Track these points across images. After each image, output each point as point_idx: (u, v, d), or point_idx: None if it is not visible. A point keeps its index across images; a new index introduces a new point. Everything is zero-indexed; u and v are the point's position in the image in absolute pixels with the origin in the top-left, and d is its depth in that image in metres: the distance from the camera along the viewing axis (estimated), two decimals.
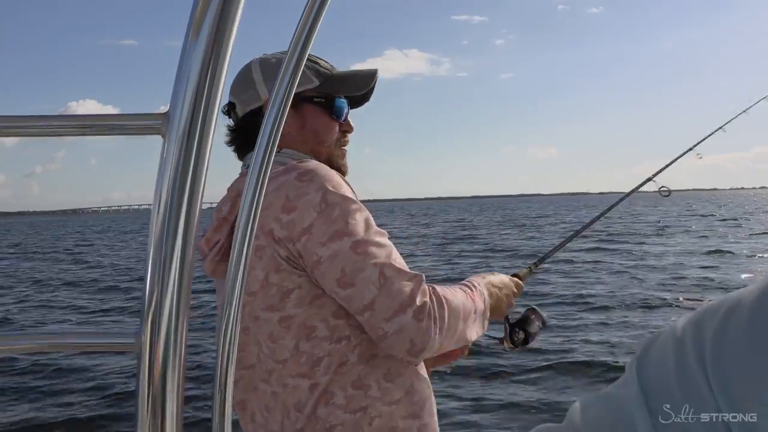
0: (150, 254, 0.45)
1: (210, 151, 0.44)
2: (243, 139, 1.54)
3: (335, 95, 1.52)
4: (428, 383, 1.48)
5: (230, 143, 1.57)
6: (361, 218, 1.31)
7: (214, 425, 0.51)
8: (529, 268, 1.91)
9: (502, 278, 1.64)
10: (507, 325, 1.76)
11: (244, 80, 1.53)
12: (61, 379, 7.42)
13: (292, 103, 1.56)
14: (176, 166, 0.44)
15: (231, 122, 1.57)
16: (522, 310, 1.80)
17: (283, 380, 1.34)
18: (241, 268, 0.51)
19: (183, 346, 0.46)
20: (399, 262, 1.32)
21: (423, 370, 1.48)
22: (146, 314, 0.45)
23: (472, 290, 1.46)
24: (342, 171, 1.54)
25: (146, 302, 0.45)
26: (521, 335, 1.75)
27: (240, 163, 1.58)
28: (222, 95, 0.44)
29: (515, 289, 1.67)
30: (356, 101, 1.60)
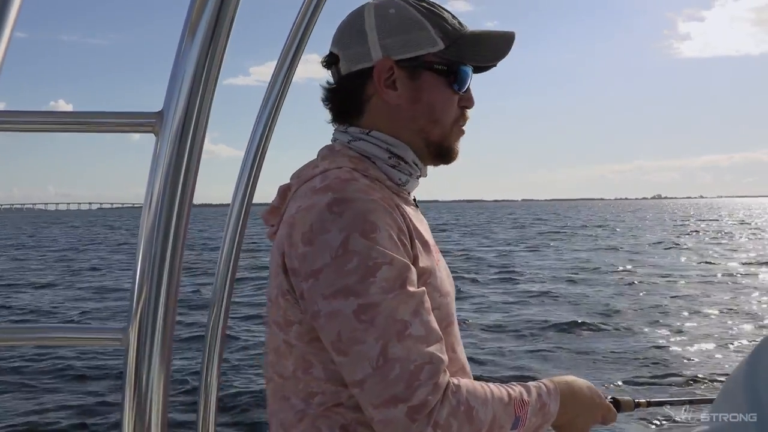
0: (140, 250, 0.45)
1: (202, 150, 0.45)
2: (341, 103, 1.29)
3: (461, 62, 1.25)
4: None
5: (326, 101, 1.30)
6: (385, 275, 1.07)
7: (199, 420, 0.52)
8: (635, 403, 1.45)
9: (592, 396, 1.31)
10: None
11: (353, 30, 1.25)
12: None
13: (407, 70, 1.24)
14: (169, 164, 0.44)
15: (330, 78, 1.30)
16: None
17: (283, 392, 1.23)
18: (230, 268, 0.51)
19: (170, 342, 0.46)
20: (416, 339, 1.06)
21: None
22: (135, 310, 0.46)
23: (522, 398, 1.16)
24: (451, 156, 1.31)
25: (135, 298, 0.46)
26: None
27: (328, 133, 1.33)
28: (215, 96, 0.45)
29: (601, 417, 1.34)
30: (480, 67, 1.31)
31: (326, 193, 1.12)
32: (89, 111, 0.46)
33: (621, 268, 18.82)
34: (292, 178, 1.27)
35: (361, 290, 1.06)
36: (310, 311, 1.12)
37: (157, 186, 0.45)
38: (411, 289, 1.10)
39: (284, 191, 1.27)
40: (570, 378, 1.30)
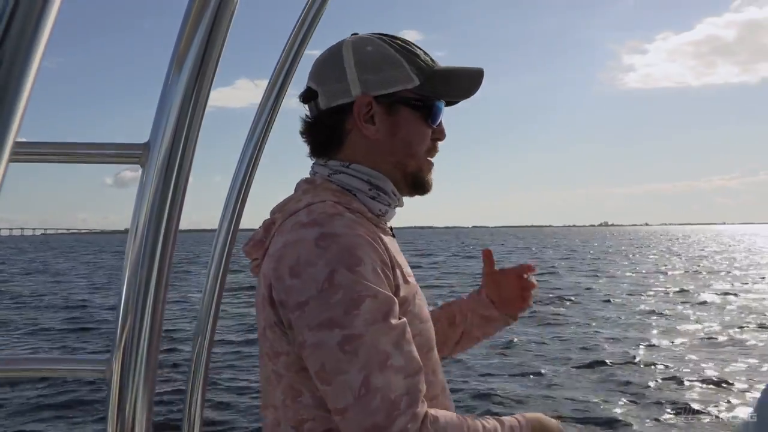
0: (125, 281, 0.45)
1: (188, 181, 0.45)
2: (320, 137, 1.33)
3: (435, 98, 1.31)
4: None
5: (304, 134, 1.34)
6: (369, 308, 1.11)
7: None
8: None
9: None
10: None
11: (332, 65, 1.30)
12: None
13: (385, 105, 1.29)
14: (155, 196, 0.44)
15: (308, 112, 1.33)
16: None
17: (276, 421, 1.25)
18: (219, 278, 0.51)
19: (154, 372, 0.46)
20: (397, 369, 1.10)
21: None
22: (119, 340, 0.45)
23: (499, 428, 1.21)
24: (426, 188, 1.36)
25: (119, 328, 0.45)
26: None
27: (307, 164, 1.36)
28: (201, 128, 0.45)
29: None
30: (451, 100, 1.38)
31: (313, 227, 1.16)
32: (75, 142, 0.46)
33: None
34: (273, 213, 1.30)
35: (345, 322, 1.10)
36: (297, 342, 1.15)
37: (143, 216, 0.45)
38: (393, 321, 1.14)
39: (268, 225, 1.29)
40: (540, 415, 1.34)
